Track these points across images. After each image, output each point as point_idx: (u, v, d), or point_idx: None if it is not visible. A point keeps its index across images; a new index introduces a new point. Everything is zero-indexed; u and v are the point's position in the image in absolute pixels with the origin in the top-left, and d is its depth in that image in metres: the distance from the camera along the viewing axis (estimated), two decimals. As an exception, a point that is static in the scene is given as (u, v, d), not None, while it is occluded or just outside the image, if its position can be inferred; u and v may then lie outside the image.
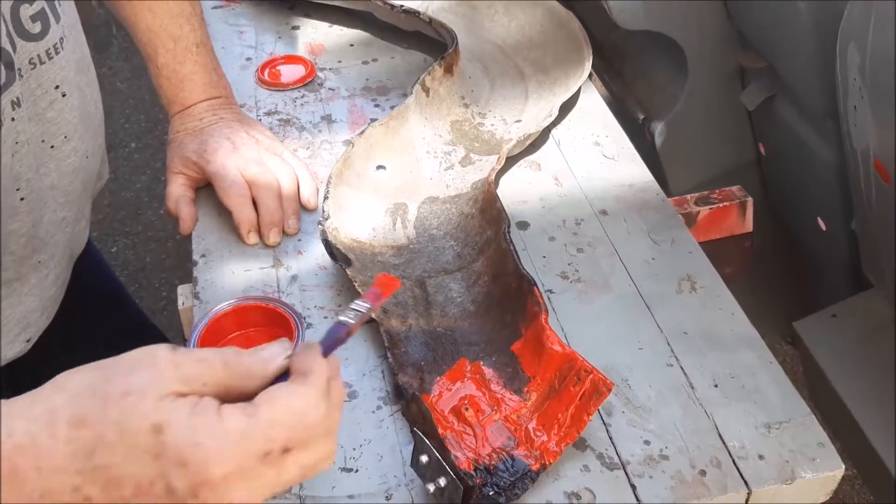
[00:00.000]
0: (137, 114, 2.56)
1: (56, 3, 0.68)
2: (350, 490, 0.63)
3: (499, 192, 0.88)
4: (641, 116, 1.28)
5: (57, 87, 0.69)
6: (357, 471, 0.64)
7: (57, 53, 0.68)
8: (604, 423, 0.67)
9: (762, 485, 0.63)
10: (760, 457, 0.65)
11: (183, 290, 0.83)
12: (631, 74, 1.35)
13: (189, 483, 0.38)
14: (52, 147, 0.70)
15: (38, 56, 0.67)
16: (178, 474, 0.38)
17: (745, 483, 0.63)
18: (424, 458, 0.58)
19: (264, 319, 0.73)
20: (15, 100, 0.64)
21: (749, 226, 0.96)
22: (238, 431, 0.39)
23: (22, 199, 0.67)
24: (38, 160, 0.69)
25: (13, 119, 0.64)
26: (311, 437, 0.41)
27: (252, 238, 0.82)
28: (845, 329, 1.01)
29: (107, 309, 0.97)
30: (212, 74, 0.91)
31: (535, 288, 0.70)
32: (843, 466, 0.65)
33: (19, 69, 0.64)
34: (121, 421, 0.38)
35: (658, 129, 1.25)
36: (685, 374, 0.71)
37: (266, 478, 0.40)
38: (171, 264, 2.18)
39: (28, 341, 0.73)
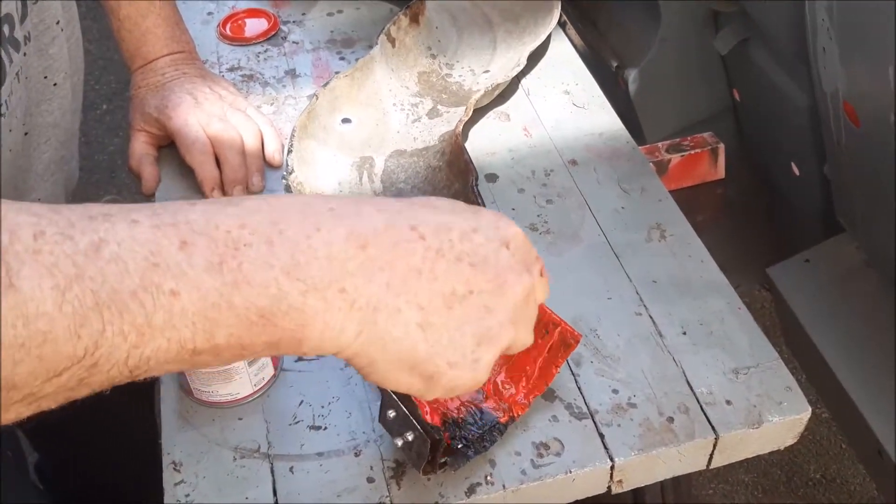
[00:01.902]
0: (108, 75, 2.51)
1: None
2: (319, 447, 0.63)
3: (467, 144, 0.87)
4: (615, 64, 1.27)
5: (58, 22, 0.69)
6: (326, 428, 0.64)
7: None
8: (572, 374, 0.67)
9: (729, 430, 0.63)
10: (728, 402, 0.65)
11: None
12: (604, 22, 1.33)
13: (502, 235, 0.43)
14: (56, 84, 0.70)
15: None
16: (494, 228, 0.43)
17: (713, 429, 0.63)
18: (392, 413, 0.58)
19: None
20: (27, 34, 0.64)
21: (721, 172, 0.96)
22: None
23: (26, 133, 0.67)
24: (41, 96, 0.68)
25: (24, 54, 0.63)
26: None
27: (216, 196, 0.81)
28: (818, 274, 1.01)
29: None
30: (174, 28, 0.88)
31: (502, 240, 0.69)
32: (810, 409, 0.65)
33: (26, 2, 0.63)
34: (444, 200, 0.44)
35: (632, 76, 1.23)
36: (654, 323, 0.71)
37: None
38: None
39: None
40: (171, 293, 0.35)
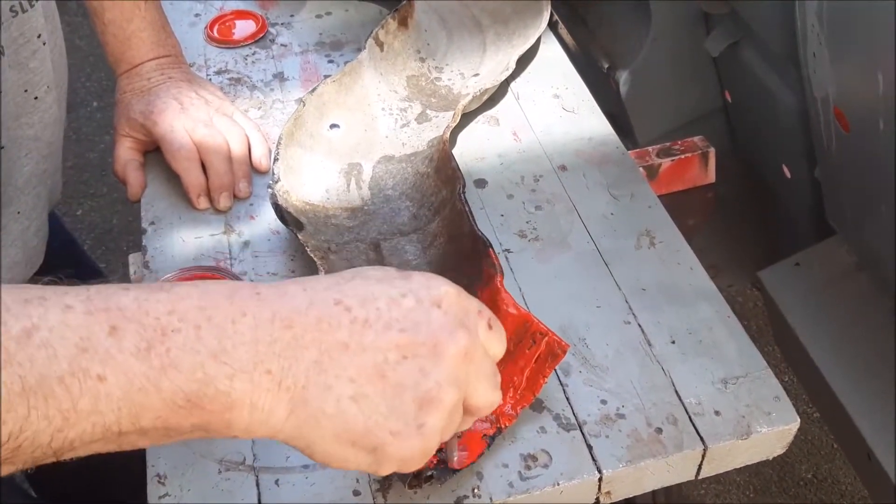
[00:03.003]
0: (98, 72, 2.49)
1: None
2: (305, 460, 0.62)
3: (456, 149, 0.87)
4: (606, 65, 1.26)
5: (39, 35, 0.68)
6: (311, 439, 0.63)
7: (37, 1, 0.67)
8: (561, 384, 0.67)
9: (718, 441, 0.63)
10: (717, 413, 0.65)
11: (134, 259, 0.82)
12: (595, 22, 1.33)
13: (433, 296, 0.43)
14: (36, 98, 0.69)
15: (20, 4, 0.65)
16: (424, 289, 0.43)
17: (702, 440, 0.63)
18: (376, 427, 0.58)
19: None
20: (0, 48, 0.63)
21: (712, 177, 0.95)
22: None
23: (2, 147, 0.66)
24: (20, 110, 0.68)
25: None
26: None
27: (202, 203, 0.80)
28: (808, 277, 1.01)
29: (65, 268, 0.96)
30: (160, 32, 0.88)
31: (491, 250, 0.69)
32: (798, 420, 0.65)
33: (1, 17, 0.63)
34: (376, 269, 0.45)
35: (623, 77, 1.22)
36: (643, 332, 0.70)
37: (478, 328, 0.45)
38: (139, 226, 2.15)
39: None
40: (98, 378, 0.35)
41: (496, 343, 0.46)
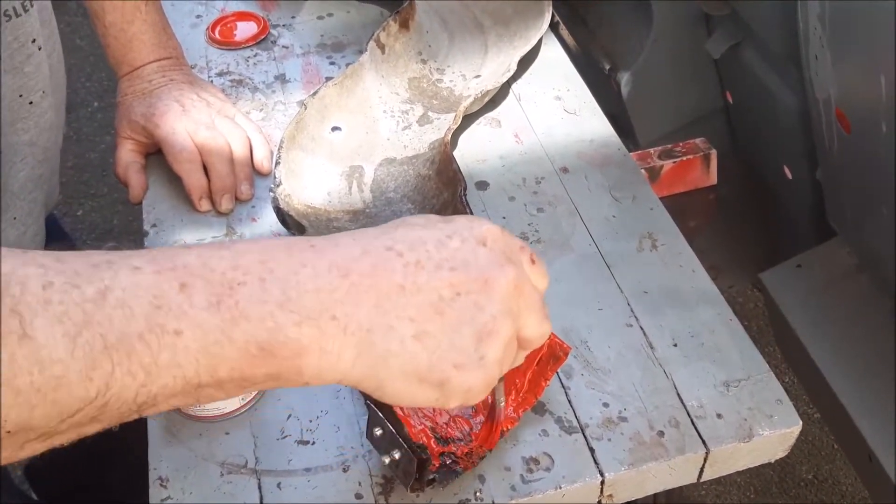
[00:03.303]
0: (99, 72, 2.49)
1: None
2: (307, 462, 0.62)
3: (458, 151, 0.87)
4: (608, 66, 1.26)
5: (34, 40, 0.68)
6: (314, 443, 0.64)
7: (31, 6, 0.67)
8: (563, 387, 0.67)
9: (720, 444, 0.63)
10: (719, 415, 0.65)
11: (136, 261, 0.81)
12: (596, 23, 1.33)
13: (477, 234, 0.44)
14: (31, 103, 0.69)
15: (14, 8, 0.65)
16: (468, 229, 0.44)
17: (704, 443, 0.63)
18: (378, 431, 0.58)
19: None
20: None
21: (713, 178, 0.95)
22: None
23: None
24: (15, 115, 0.68)
25: None
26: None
27: (204, 205, 0.80)
28: (809, 279, 1.01)
29: None
30: (161, 34, 0.87)
31: (492, 252, 0.69)
32: (801, 423, 0.65)
33: None
34: (418, 217, 0.45)
35: (624, 78, 1.22)
36: (645, 334, 0.70)
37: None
38: (140, 226, 2.15)
39: None
40: (175, 333, 0.37)
41: (540, 277, 0.46)
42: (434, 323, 0.41)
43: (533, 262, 0.46)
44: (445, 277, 0.42)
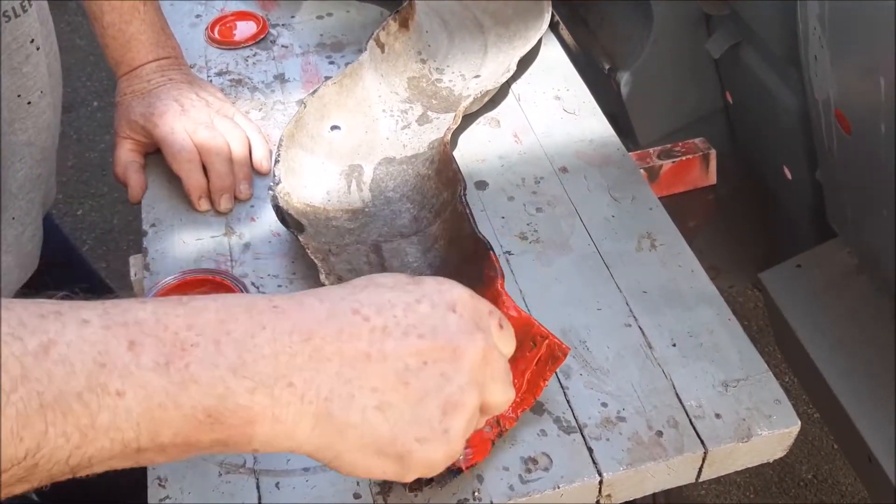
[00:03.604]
0: (99, 71, 2.49)
1: None
2: (305, 462, 0.62)
3: (457, 150, 0.87)
4: (607, 66, 1.26)
5: (32, 40, 0.68)
6: (312, 442, 0.63)
7: (30, 6, 0.67)
8: (561, 387, 0.67)
9: (719, 444, 0.63)
10: (717, 415, 0.65)
11: (135, 261, 0.82)
12: (596, 23, 1.33)
13: (447, 300, 0.43)
14: (29, 103, 0.69)
15: (13, 9, 0.65)
16: (437, 293, 0.43)
17: (702, 442, 0.63)
18: (377, 430, 0.58)
19: (212, 293, 0.71)
20: None
21: (713, 178, 0.95)
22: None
23: None
24: (14, 115, 0.68)
25: None
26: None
27: (203, 205, 0.80)
28: (809, 279, 1.01)
29: (59, 270, 0.96)
30: (160, 34, 0.87)
31: (492, 252, 0.69)
32: (799, 423, 0.65)
33: None
34: (386, 276, 0.45)
35: (624, 78, 1.22)
36: (643, 334, 0.70)
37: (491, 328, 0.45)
38: (140, 226, 2.15)
39: None
40: (117, 393, 0.35)
41: (507, 342, 0.46)
42: (398, 393, 0.40)
43: (501, 327, 0.46)
44: (413, 345, 0.41)
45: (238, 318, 0.38)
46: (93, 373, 0.35)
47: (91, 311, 0.36)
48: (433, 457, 0.41)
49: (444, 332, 0.41)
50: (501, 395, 0.45)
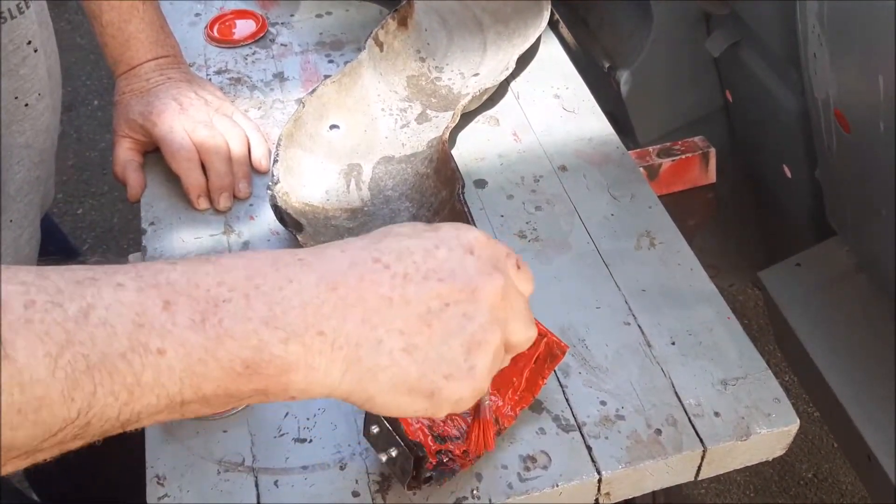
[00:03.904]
0: (99, 70, 2.49)
1: None
2: (304, 460, 0.62)
3: (456, 149, 0.86)
4: (607, 65, 1.26)
5: (29, 42, 0.68)
6: (311, 441, 0.64)
7: (28, 7, 0.67)
8: (560, 385, 0.67)
9: (717, 442, 0.63)
10: (716, 414, 0.65)
11: (134, 260, 0.81)
12: (596, 22, 1.32)
13: (464, 243, 0.44)
14: (27, 105, 0.69)
15: (9, 10, 0.65)
16: (454, 238, 0.44)
17: (701, 441, 0.63)
18: (375, 429, 0.58)
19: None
20: None
21: (712, 177, 0.95)
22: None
23: None
24: (11, 117, 0.67)
25: None
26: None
27: (202, 203, 0.80)
28: (809, 278, 1.01)
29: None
30: (159, 32, 0.87)
31: (490, 250, 0.68)
32: (798, 421, 0.65)
33: None
34: (404, 226, 0.45)
35: (624, 77, 1.22)
36: (643, 333, 0.70)
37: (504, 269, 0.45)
38: (139, 225, 2.15)
39: None
40: (158, 352, 0.36)
41: (526, 282, 0.47)
42: (423, 335, 0.42)
43: (518, 267, 0.46)
44: (433, 288, 0.42)
45: (265, 272, 0.40)
46: (133, 333, 0.36)
47: (124, 275, 0.38)
48: (461, 393, 0.43)
49: (462, 274, 0.43)
50: (523, 332, 0.46)
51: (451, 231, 0.45)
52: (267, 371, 0.39)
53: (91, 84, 2.45)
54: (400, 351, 0.41)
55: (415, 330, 0.41)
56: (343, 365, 0.40)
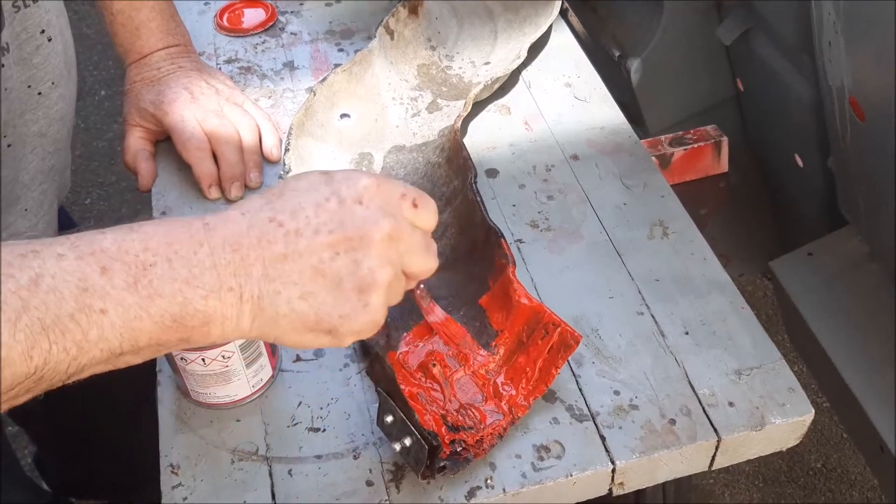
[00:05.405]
0: (106, 60, 2.49)
1: None
2: (318, 450, 0.62)
3: (468, 138, 0.86)
4: (617, 53, 1.25)
5: (42, 31, 0.68)
6: (324, 430, 0.64)
7: None
8: (574, 375, 0.67)
9: (732, 432, 0.63)
10: (730, 404, 0.65)
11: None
12: (605, 10, 1.32)
13: (353, 193, 0.48)
14: (40, 94, 0.69)
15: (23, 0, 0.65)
16: (345, 188, 0.48)
17: (715, 431, 0.63)
18: (389, 418, 0.58)
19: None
20: (4, 45, 0.63)
21: (724, 166, 0.94)
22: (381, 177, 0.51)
23: (9, 145, 0.67)
24: (25, 106, 0.68)
25: (2, 65, 0.63)
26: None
27: (214, 193, 0.80)
28: (820, 267, 1.00)
29: None
30: (169, 21, 0.87)
31: (503, 240, 0.68)
32: (813, 411, 0.64)
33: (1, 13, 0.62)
34: (300, 178, 0.50)
35: (634, 66, 1.22)
36: (656, 322, 0.70)
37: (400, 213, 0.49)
38: (148, 214, 2.15)
39: None
40: (101, 311, 0.42)
41: (424, 217, 0.51)
42: (316, 283, 0.47)
43: (416, 205, 0.50)
44: (324, 241, 0.47)
45: (181, 238, 0.45)
46: (79, 297, 0.41)
47: (62, 246, 0.43)
48: (359, 326, 0.48)
49: (350, 223, 0.47)
50: (422, 263, 0.51)
51: (342, 180, 0.49)
52: (192, 323, 0.45)
53: (98, 74, 2.45)
54: (297, 299, 0.47)
55: (309, 279, 0.47)
56: (250, 315, 0.46)
